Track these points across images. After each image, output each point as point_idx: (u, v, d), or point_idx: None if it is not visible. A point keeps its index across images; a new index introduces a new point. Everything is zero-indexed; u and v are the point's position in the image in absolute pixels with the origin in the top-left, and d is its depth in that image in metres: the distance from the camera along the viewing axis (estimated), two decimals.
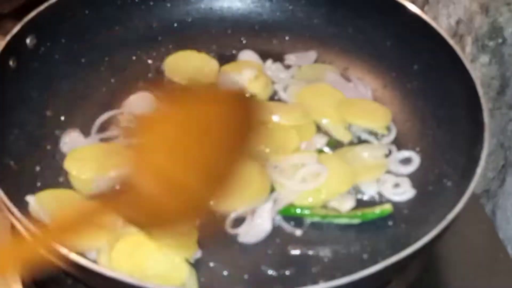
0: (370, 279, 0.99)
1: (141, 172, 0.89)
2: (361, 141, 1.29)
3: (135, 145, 0.92)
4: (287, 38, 1.47)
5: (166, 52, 1.43)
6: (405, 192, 1.22)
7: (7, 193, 1.07)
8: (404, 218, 1.20)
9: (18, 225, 1.06)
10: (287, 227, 1.18)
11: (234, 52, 1.45)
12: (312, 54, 1.43)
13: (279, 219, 1.18)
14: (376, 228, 1.18)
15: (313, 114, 1.30)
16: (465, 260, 1.25)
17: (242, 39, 1.47)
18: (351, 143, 1.28)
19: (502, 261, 1.25)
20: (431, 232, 1.03)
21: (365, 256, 1.15)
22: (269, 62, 1.40)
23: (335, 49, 1.44)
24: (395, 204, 1.21)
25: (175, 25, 1.47)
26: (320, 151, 1.26)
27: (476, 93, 1.21)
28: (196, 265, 1.11)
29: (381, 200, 1.22)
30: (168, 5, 1.47)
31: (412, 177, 1.25)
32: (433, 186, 1.23)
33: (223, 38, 1.47)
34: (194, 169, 0.91)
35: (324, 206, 1.19)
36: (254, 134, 0.99)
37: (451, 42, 1.29)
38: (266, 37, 1.48)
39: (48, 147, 1.26)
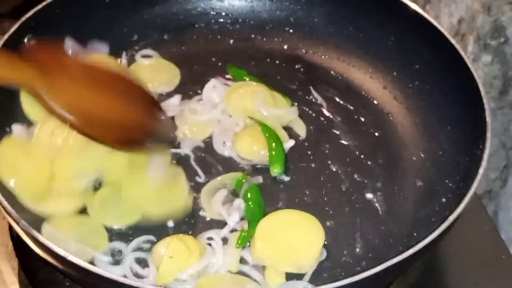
0: (372, 280, 0.99)
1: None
2: None
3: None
4: (287, 37, 1.47)
5: (165, 52, 1.43)
6: None
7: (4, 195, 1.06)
8: (406, 219, 1.20)
9: (16, 226, 1.05)
10: None
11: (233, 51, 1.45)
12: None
13: None
14: (378, 229, 1.18)
15: None
16: (467, 261, 1.24)
17: (242, 38, 1.47)
18: None
19: (504, 262, 1.24)
20: (433, 233, 1.03)
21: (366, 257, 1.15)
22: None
23: (335, 49, 1.44)
24: (397, 205, 1.21)
25: (175, 25, 1.47)
26: None
27: (478, 93, 1.20)
28: None
29: None
30: (167, 5, 1.46)
31: (414, 177, 1.24)
32: (435, 187, 1.22)
33: (223, 37, 1.47)
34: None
35: None
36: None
37: (453, 41, 1.28)
38: (266, 36, 1.47)
39: None
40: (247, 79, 1.38)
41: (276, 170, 1.25)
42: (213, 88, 1.36)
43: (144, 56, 1.42)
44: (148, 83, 1.34)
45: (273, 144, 1.26)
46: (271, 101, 1.33)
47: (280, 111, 1.33)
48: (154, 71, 1.40)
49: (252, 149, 1.27)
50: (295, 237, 1.12)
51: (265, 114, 1.31)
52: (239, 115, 1.32)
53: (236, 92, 1.34)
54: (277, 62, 1.44)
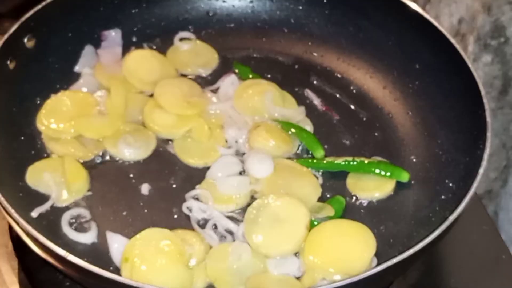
0: (372, 280, 0.99)
1: None
2: None
3: None
4: (287, 37, 1.47)
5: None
6: None
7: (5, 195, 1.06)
8: (406, 218, 1.20)
9: (16, 226, 1.05)
10: None
11: (233, 51, 1.45)
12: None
13: None
14: (378, 229, 1.18)
15: None
16: (467, 261, 1.24)
17: (242, 38, 1.47)
18: None
19: (505, 262, 1.24)
20: (433, 233, 1.03)
21: None
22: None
23: (335, 49, 1.44)
24: (397, 205, 1.21)
25: (174, 25, 1.47)
26: None
27: (479, 93, 1.20)
28: None
29: None
30: (167, 4, 1.46)
31: (415, 177, 1.24)
32: (435, 187, 1.22)
33: (224, 37, 1.47)
34: None
35: None
36: None
37: (453, 41, 1.28)
38: (266, 36, 1.47)
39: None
40: (251, 76, 1.38)
41: (320, 154, 1.27)
42: (231, 84, 1.36)
43: (182, 39, 1.44)
44: (186, 66, 1.39)
45: (302, 133, 1.28)
46: (280, 101, 1.33)
47: (289, 111, 1.33)
48: (192, 54, 1.42)
49: (269, 144, 1.26)
50: (346, 246, 1.12)
51: (275, 115, 1.31)
52: (248, 114, 1.31)
53: (245, 91, 1.34)
54: (277, 62, 1.44)
